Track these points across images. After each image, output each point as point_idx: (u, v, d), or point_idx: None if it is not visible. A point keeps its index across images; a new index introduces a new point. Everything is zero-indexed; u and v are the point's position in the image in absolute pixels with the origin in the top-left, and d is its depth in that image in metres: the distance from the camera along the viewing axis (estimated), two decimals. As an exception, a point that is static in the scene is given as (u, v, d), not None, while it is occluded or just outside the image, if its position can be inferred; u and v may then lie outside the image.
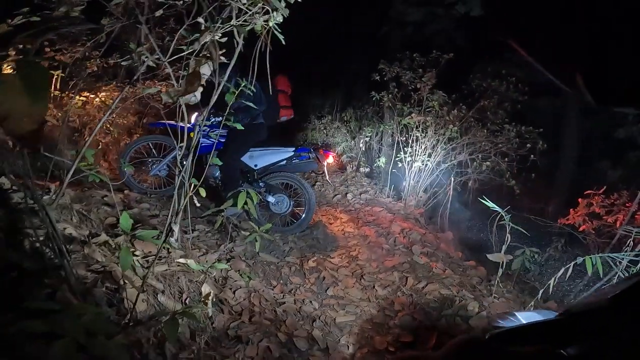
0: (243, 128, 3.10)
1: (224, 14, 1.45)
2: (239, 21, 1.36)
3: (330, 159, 3.62)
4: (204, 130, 3.37)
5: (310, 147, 3.58)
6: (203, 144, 3.37)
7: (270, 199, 3.47)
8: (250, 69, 1.62)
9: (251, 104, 2.21)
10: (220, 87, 1.53)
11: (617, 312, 0.36)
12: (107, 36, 2.12)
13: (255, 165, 3.48)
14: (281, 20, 1.47)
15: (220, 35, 1.44)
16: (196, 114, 3.33)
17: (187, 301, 1.81)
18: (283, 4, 1.56)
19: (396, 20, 5.79)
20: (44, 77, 0.42)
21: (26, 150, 1.10)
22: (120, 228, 1.24)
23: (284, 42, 1.54)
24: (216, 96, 1.46)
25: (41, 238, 1.57)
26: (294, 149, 3.52)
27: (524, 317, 0.74)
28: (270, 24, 1.43)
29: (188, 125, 3.18)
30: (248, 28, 1.52)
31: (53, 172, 1.89)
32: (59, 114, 3.15)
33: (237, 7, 1.34)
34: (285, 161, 3.50)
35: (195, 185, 1.58)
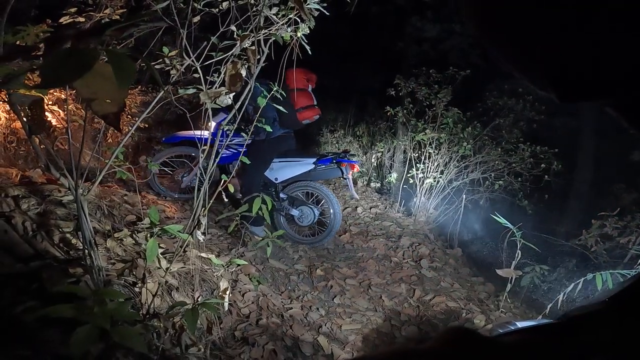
0: (266, 137, 3.12)
1: (254, 23, 1.54)
2: (269, 30, 1.45)
3: (355, 169, 3.38)
4: (222, 141, 3.38)
5: (332, 157, 3.34)
6: (224, 155, 3.32)
7: (295, 212, 3.37)
8: (278, 75, 1.72)
9: (281, 107, 2.22)
10: (250, 90, 1.60)
11: (612, 312, 0.36)
12: (135, 41, 2.24)
13: (276, 179, 3.37)
14: (308, 32, 1.55)
15: (251, 42, 1.52)
16: (213, 123, 3.36)
17: (199, 299, 1.85)
18: (318, 11, 1.66)
19: (412, 36, 5.88)
20: (130, 67, 0.48)
21: (71, 148, 1.18)
22: (149, 219, 1.30)
23: (310, 52, 1.62)
24: (247, 98, 1.53)
25: (67, 229, 1.65)
26: (314, 159, 3.34)
27: (522, 326, 0.75)
28: (299, 34, 1.52)
29: (207, 134, 3.27)
30: (278, 35, 1.61)
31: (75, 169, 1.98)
32: (86, 115, 3.28)
33: (264, 18, 1.43)
34: (307, 172, 3.36)
35: (225, 181, 1.64)
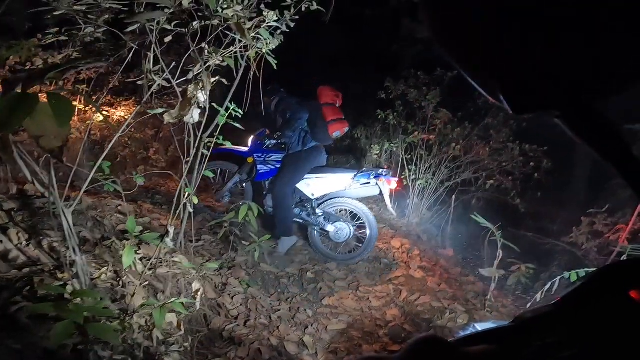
0: (302, 149, 3.19)
1: (226, 41, 1.64)
2: (236, 48, 1.55)
3: (393, 185, 3.32)
4: (261, 157, 3.40)
5: (370, 172, 3.30)
6: (261, 171, 3.39)
7: (330, 228, 3.33)
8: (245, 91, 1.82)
9: (238, 125, 2.16)
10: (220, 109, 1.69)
11: (567, 309, 0.38)
12: (129, 52, 2.35)
13: (313, 195, 3.33)
14: (274, 47, 1.65)
15: (221, 60, 1.62)
16: (252, 137, 3.42)
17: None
18: (281, 29, 1.76)
19: (406, 38, 5.94)
20: (68, 107, 0.56)
21: (52, 162, 1.28)
22: (136, 228, 1.41)
23: (275, 67, 1.72)
24: (205, 119, 1.62)
25: (57, 239, 1.76)
26: (353, 174, 3.28)
27: (481, 327, 0.80)
28: (264, 50, 1.62)
29: (246, 149, 3.37)
30: (248, 54, 1.71)
31: (74, 181, 2.09)
32: (82, 127, 3.42)
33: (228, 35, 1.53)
34: (344, 188, 3.32)
35: (188, 194, 1.74)
